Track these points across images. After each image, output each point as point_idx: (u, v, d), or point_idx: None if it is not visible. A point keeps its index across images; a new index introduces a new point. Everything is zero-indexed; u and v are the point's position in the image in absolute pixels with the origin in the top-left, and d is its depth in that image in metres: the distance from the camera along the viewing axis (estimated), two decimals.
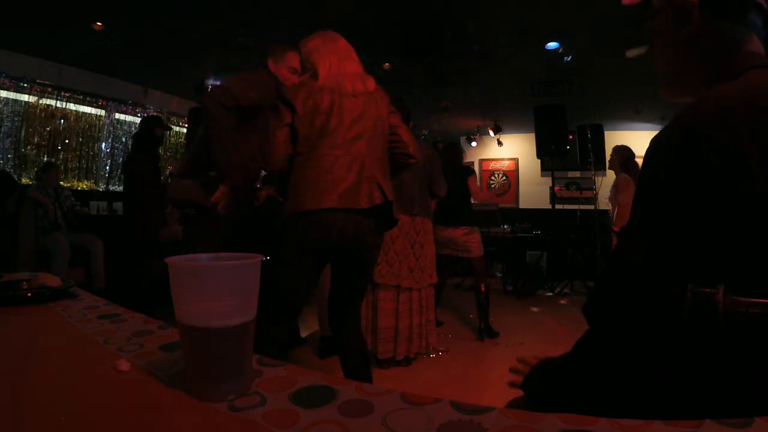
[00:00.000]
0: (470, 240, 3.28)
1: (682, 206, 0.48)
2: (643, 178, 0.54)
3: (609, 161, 3.95)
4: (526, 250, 5.74)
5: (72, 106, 5.00)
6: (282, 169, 1.54)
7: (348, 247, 1.52)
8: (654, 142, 0.54)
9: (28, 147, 4.66)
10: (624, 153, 3.73)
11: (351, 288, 1.66)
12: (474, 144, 7.55)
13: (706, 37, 0.59)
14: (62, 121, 4.90)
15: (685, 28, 0.60)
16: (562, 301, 4.88)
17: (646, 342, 0.51)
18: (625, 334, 0.52)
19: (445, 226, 3.29)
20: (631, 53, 3.61)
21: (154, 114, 5.59)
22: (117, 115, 5.38)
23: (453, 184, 3.24)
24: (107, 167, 5.34)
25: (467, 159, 8.08)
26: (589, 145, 5.89)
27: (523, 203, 7.71)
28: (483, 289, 3.29)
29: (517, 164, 7.90)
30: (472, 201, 3.53)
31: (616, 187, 3.72)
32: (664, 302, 0.49)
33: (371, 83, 1.61)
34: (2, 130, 4.45)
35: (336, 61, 1.58)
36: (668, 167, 0.50)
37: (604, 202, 4.44)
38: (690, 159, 0.48)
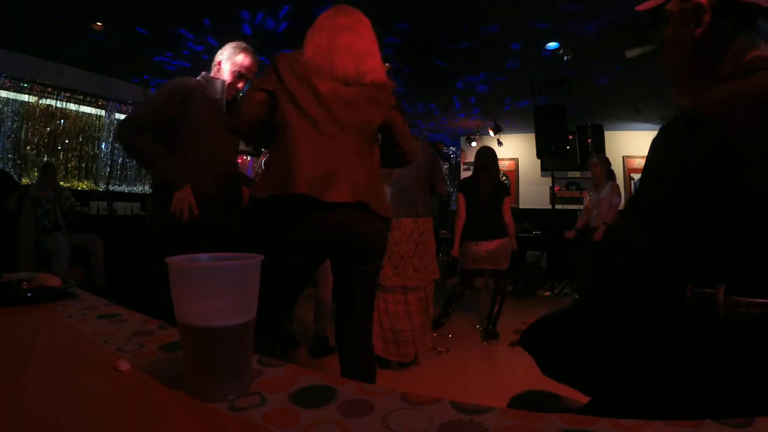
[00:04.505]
0: (506, 251, 3.27)
1: (682, 198, 0.49)
2: (647, 166, 0.55)
3: (592, 170, 4.21)
4: (526, 250, 5.74)
5: (72, 106, 4.99)
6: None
7: None
8: (659, 132, 0.55)
9: (28, 147, 4.65)
10: (607, 162, 4.08)
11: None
12: (474, 144, 7.55)
13: (715, 41, 0.61)
14: (62, 121, 4.90)
15: (695, 32, 0.62)
16: (563, 302, 4.89)
17: (646, 333, 0.51)
18: (625, 321, 0.53)
19: (483, 240, 3.20)
20: (631, 53, 3.62)
21: None
22: (117, 115, 5.38)
23: (489, 196, 3.21)
24: (107, 167, 5.33)
25: (467, 159, 8.09)
26: (589, 146, 5.89)
27: (523, 203, 7.70)
28: (500, 297, 3.32)
29: (517, 164, 7.90)
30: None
31: (608, 191, 3.92)
32: (664, 297, 0.49)
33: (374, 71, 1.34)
34: (2, 130, 4.45)
35: (328, 36, 1.32)
36: (670, 156, 0.52)
37: None
38: (690, 148, 0.49)
